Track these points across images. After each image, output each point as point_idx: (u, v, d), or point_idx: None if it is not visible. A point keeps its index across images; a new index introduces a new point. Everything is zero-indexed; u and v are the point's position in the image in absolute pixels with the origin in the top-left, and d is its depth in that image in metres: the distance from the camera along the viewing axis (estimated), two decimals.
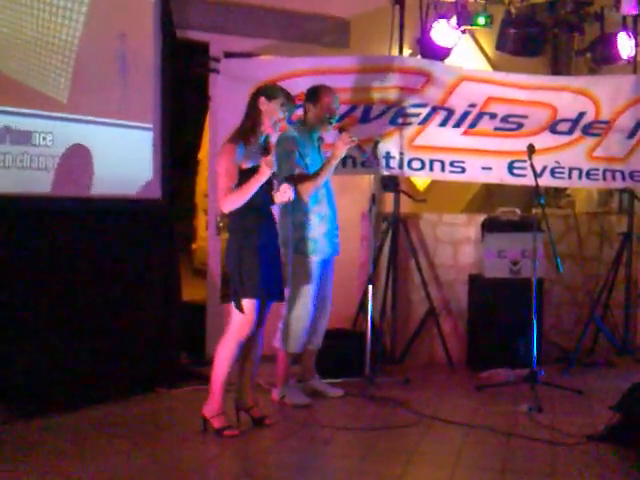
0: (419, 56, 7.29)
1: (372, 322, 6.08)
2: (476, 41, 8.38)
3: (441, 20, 7.19)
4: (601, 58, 7.76)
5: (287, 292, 5.31)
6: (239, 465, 4.64)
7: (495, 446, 4.87)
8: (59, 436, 4.81)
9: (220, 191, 4.84)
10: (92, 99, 5.64)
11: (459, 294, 7.14)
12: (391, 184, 6.79)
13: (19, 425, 4.95)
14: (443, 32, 7.20)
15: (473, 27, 7.54)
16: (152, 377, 5.86)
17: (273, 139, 5.05)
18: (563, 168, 7.01)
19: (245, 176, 4.80)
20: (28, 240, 5.19)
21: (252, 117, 4.93)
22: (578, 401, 5.87)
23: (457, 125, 6.90)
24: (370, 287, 6.07)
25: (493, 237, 6.86)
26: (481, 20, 7.37)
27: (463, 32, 7.37)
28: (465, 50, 8.02)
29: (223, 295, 6.46)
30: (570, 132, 7.00)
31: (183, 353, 6.44)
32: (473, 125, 6.92)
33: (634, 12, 7.34)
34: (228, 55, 6.72)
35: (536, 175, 6.00)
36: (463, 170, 6.94)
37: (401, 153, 6.81)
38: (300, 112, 5.88)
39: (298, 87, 6.11)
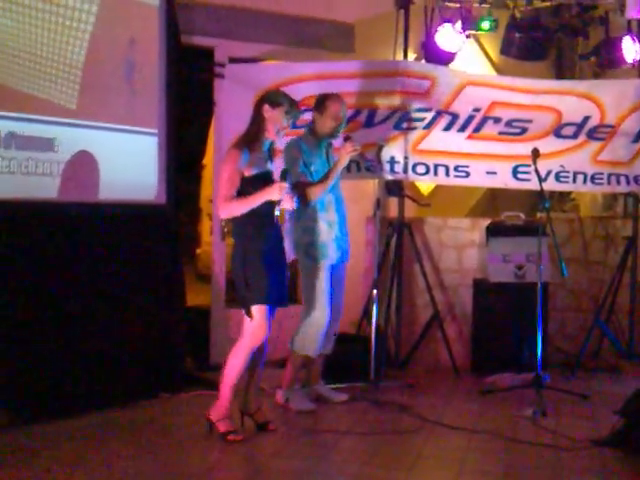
0: (424, 60, 7.28)
1: (376, 327, 6.08)
2: (480, 45, 8.37)
3: (446, 24, 7.17)
4: (606, 62, 7.73)
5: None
6: (244, 470, 4.66)
7: (499, 451, 4.87)
8: (62, 441, 4.82)
9: (220, 197, 4.85)
10: (98, 105, 5.66)
11: (464, 298, 7.14)
12: (395, 189, 6.79)
13: (22, 430, 4.95)
14: (448, 36, 7.18)
15: (478, 31, 7.53)
16: (156, 382, 5.86)
17: (278, 145, 5.07)
18: (568, 172, 7.00)
19: (248, 183, 4.81)
20: (33, 245, 5.18)
21: (256, 124, 4.95)
22: (583, 406, 5.87)
23: (461, 129, 6.90)
24: (375, 291, 6.08)
25: (498, 241, 6.86)
26: (486, 24, 7.36)
27: (468, 36, 7.36)
28: (469, 54, 8.01)
29: (229, 299, 6.48)
30: (575, 136, 6.99)
31: (187, 358, 6.45)
32: (477, 129, 6.92)
33: (639, 16, 7.33)
34: (233, 60, 6.74)
35: (540, 179, 6.01)
36: (467, 174, 6.94)
37: (405, 158, 6.81)
38: (306, 116, 5.90)
39: (302, 92, 6.14)
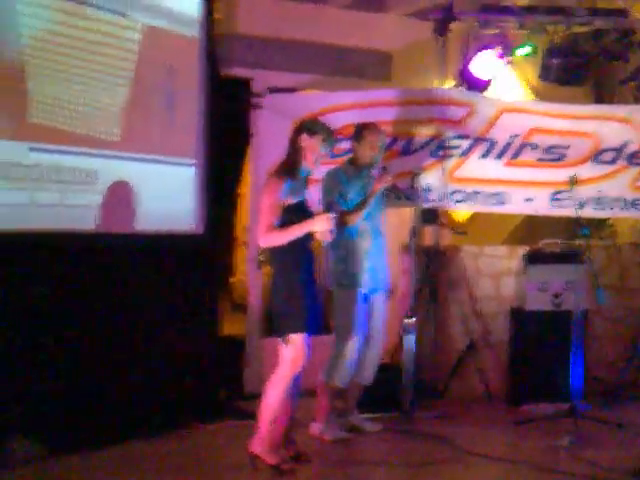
0: (462, 88, 7.30)
1: (412, 356, 6.09)
2: (519, 71, 8.36)
3: (484, 51, 7.18)
4: None
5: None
6: None
7: None
8: (94, 473, 4.85)
9: (262, 225, 4.83)
10: (138, 136, 5.75)
11: (500, 327, 7.07)
12: (431, 217, 6.81)
13: (53, 461, 4.96)
14: (486, 63, 7.20)
15: (516, 57, 7.53)
16: (190, 412, 5.88)
17: (315, 174, 5.12)
18: (606, 198, 6.95)
19: (287, 212, 4.83)
20: (72, 275, 5.27)
21: (294, 153, 4.97)
22: (620, 435, 5.81)
23: (499, 156, 6.90)
24: (410, 320, 6.09)
25: (535, 269, 6.79)
26: (524, 50, 7.37)
27: (506, 62, 7.37)
28: (508, 80, 8.00)
29: (265, 329, 6.54)
30: (613, 162, 6.94)
31: (221, 388, 6.45)
32: (515, 156, 6.91)
33: None
34: (271, 90, 6.79)
35: (579, 206, 5.97)
36: (505, 202, 6.93)
37: (442, 185, 6.82)
38: (343, 145, 5.95)
39: (341, 121, 6.20)
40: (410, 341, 6.09)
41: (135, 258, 5.67)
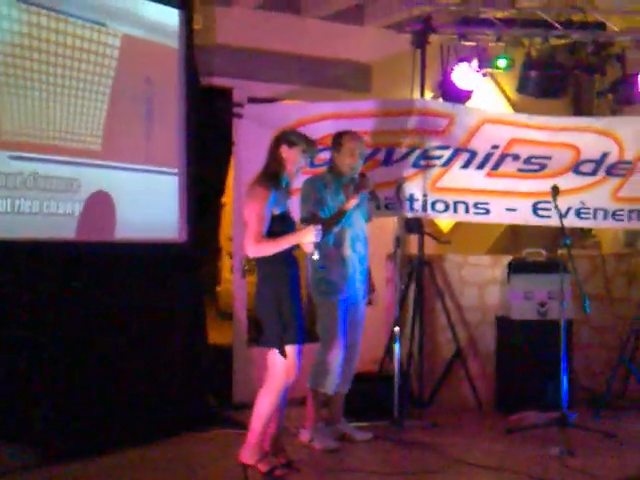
0: (441, 99, 7.32)
1: (399, 365, 6.05)
2: (497, 83, 8.42)
3: (462, 63, 7.20)
4: (623, 99, 7.73)
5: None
6: None
7: None
8: None
9: (250, 235, 4.76)
10: (119, 145, 5.71)
11: (486, 336, 7.08)
12: (415, 226, 6.78)
13: (48, 469, 4.94)
14: (464, 75, 7.22)
15: (494, 70, 7.56)
16: (179, 420, 5.84)
17: (295, 184, 5.09)
18: (588, 209, 6.96)
19: (274, 222, 4.79)
20: (53, 284, 5.21)
21: (275, 163, 4.94)
22: (609, 445, 5.77)
23: (480, 167, 6.91)
24: (396, 329, 6.05)
25: (519, 278, 6.81)
26: (502, 63, 7.39)
27: (484, 75, 7.39)
28: (486, 93, 8.05)
29: (251, 338, 6.49)
30: (594, 173, 6.97)
31: (209, 396, 6.39)
32: (496, 167, 6.92)
33: None
34: (251, 100, 6.79)
35: (561, 216, 5.99)
36: (487, 211, 6.93)
37: (424, 195, 6.81)
38: (323, 155, 5.91)
39: (320, 131, 6.18)
40: (397, 350, 6.02)
41: (119, 267, 5.61)
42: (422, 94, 7.05)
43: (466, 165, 6.89)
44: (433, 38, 7.10)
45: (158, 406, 5.72)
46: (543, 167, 6.94)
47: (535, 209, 6.94)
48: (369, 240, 5.93)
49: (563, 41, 7.55)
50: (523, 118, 7.09)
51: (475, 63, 7.25)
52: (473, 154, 6.88)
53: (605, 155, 6.95)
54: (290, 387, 5.01)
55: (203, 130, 6.35)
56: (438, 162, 6.85)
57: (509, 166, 6.94)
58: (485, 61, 7.33)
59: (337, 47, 7.40)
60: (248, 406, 4.98)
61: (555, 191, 6.08)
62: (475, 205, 6.91)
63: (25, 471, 4.86)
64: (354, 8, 7.46)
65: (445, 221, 7.93)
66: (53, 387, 5.14)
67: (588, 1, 7.51)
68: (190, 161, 6.19)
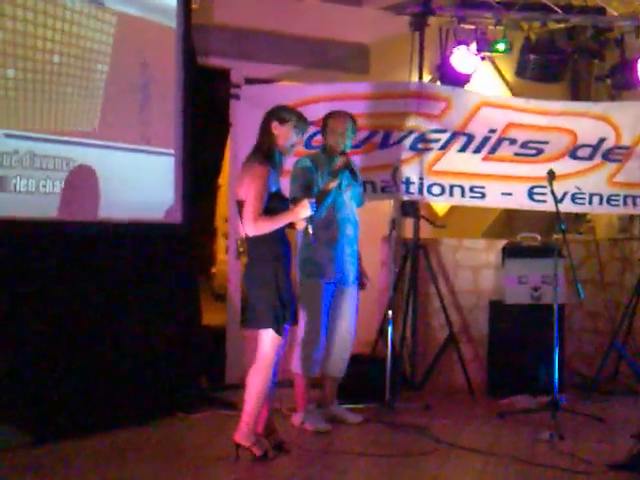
0: (439, 82, 7.30)
1: (392, 348, 6.07)
2: (495, 67, 8.39)
3: (461, 46, 7.19)
4: (621, 84, 7.73)
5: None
6: None
7: (516, 474, 4.82)
8: (77, 461, 4.80)
9: (249, 213, 4.72)
10: (116, 125, 5.68)
11: (479, 320, 7.10)
12: (411, 209, 6.79)
13: (36, 449, 4.93)
14: (463, 58, 7.20)
15: (493, 53, 7.54)
16: (172, 401, 5.85)
17: (286, 161, 5.07)
18: (584, 194, 6.97)
19: (271, 200, 4.77)
20: (49, 264, 5.20)
21: (267, 140, 4.90)
22: (600, 429, 5.81)
23: (477, 151, 6.91)
24: (390, 312, 6.06)
25: (514, 263, 6.82)
26: (501, 46, 7.37)
27: (482, 58, 7.38)
28: (485, 76, 8.02)
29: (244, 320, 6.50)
30: (590, 158, 6.97)
31: (203, 377, 6.43)
32: (493, 151, 6.92)
33: None
34: (249, 81, 6.77)
35: (556, 201, 5.99)
36: (483, 195, 6.94)
37: (421, 178, 6.81)
38: (319, 137, 5.92)
39: (318, 113, 6.13)
40: (390, 333, 6.04)
41: (114, 247, 5.59)
42: (420, 77, 7.04)
43: (463, 149, 6.89)
44: (432, 20, 7.08)
45: (151, 387, 5.72)
46: (540, 152, 6.94)
47: (531, 194, 6.95)
48: (363, 222, 5.92)
49: (562, 25, 7.55)
50: (521, 102, 7.07)
51: (474, 46, 7.24)
52: (470, 138, 6.87)
53: (602, 140, 6.94)
54: (282, 368, 5.06)
55: (200, 111, 6.33)
56: (435, 145, 6.84)
57: (506, 150, 6.93)
58: (484, 44, 7.31)
59: (335, 28, 7.36)
60: (240, 387, 4.99)
61: (551, 176, 6.08)
62: (471, 189, 6.92)
63: (15, 451, 4.85)
64: None
65: (440, 205, 7.92)
66: (43, 368, 5.12)
67: None
68: (186, 142, 6.17)
